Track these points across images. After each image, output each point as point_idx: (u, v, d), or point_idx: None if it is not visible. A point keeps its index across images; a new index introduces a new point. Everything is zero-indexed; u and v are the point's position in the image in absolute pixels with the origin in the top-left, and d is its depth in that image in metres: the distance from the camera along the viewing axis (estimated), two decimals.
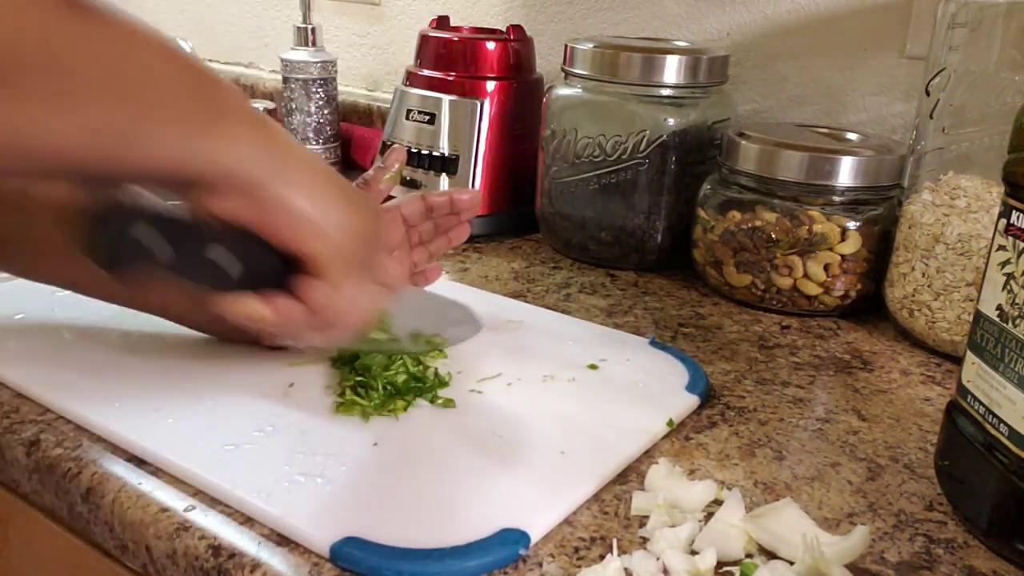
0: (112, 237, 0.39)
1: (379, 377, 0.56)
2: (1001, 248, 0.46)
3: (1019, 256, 0.44)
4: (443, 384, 0.58)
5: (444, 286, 0.78)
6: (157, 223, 0.40)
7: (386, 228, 0.62)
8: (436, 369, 0.60)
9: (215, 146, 0.37)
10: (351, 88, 1.29)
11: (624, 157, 0.83)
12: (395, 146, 0.59)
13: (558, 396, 0.58)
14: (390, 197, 0.65)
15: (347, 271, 0.43)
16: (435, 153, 0.93)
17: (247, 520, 0.45)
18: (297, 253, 0.41)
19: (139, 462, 0.49)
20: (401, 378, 0.57)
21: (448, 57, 0.94)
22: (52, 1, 0.32)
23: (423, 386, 0.57)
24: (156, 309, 0.60)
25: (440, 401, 0.56)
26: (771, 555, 0.44)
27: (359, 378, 0.56)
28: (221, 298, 0.43)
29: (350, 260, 0.43)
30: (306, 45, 1.16)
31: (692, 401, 0.59)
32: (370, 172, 0.58)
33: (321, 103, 1.17)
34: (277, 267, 0.42)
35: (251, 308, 0.43)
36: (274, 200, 0.39)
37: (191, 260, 0.41)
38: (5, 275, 0.64)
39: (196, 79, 0.37)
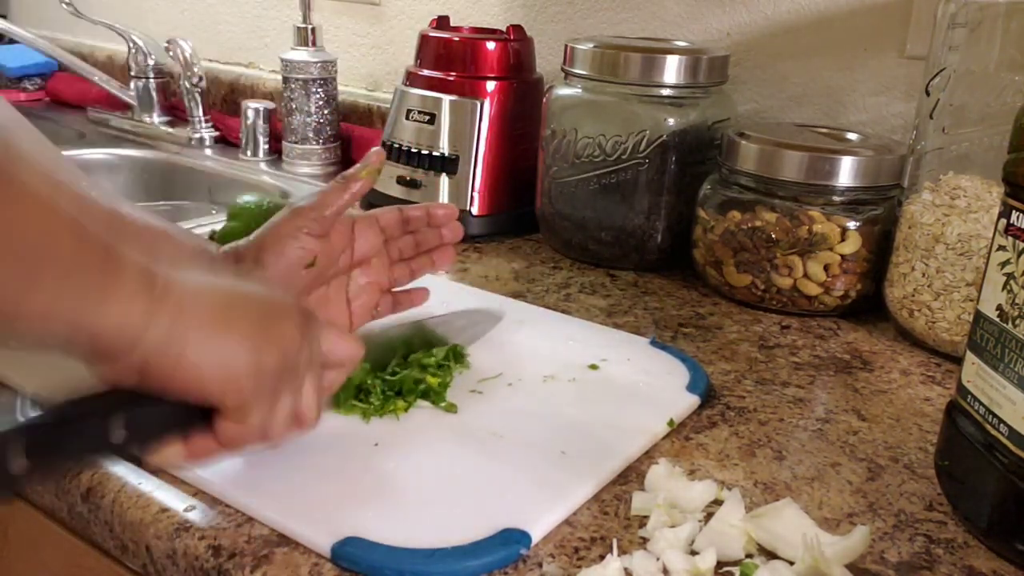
0: None
1: (380, 378, 0.56)
2: (1001, 248, 0.46)
3: (1019, 256, 0.44)
4: (445, 386, 0.58)
5: (444, 287, 0.78)
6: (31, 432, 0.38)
7: (388, 227, 0.61)
8: (456, 356, 0.60)
9: (99, 312, 0.37)
10: (351, 88, 1.29)
11: (624, 157, 0.83)
12: (375, 148, 0.60)
13: (558, 396, 0.58)
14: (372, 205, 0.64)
15: (254, 406, 0.42)
16: (435, 153, 0.93)
17: (247, 520, 0.45)
18: (198, 402, 0.41)
19: (139, 462, 0.49)
20: (411, 379, 0.57)
21: (448, 57, 0.94)
22: None
23: (426, 388, 0.57)
24: None
25: (443, 404, 0.56)
26: (771, 555, 0.44)
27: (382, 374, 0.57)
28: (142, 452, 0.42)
29: (255, 396, 0.42)
30: (306, 45, 1.16)
31: (692, 401, 0.59)
32: (350, 170, 0.58)
33: (321, 103, 1.17)
34: (186, 413, 0.42)
35: (168, 457, 0.43)
36: (164, 361, 0.39)
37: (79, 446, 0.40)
38: None
39: (89, 247, 0.37)
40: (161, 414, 0.41)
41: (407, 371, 0.57)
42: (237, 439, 0.43)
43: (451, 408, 0.56)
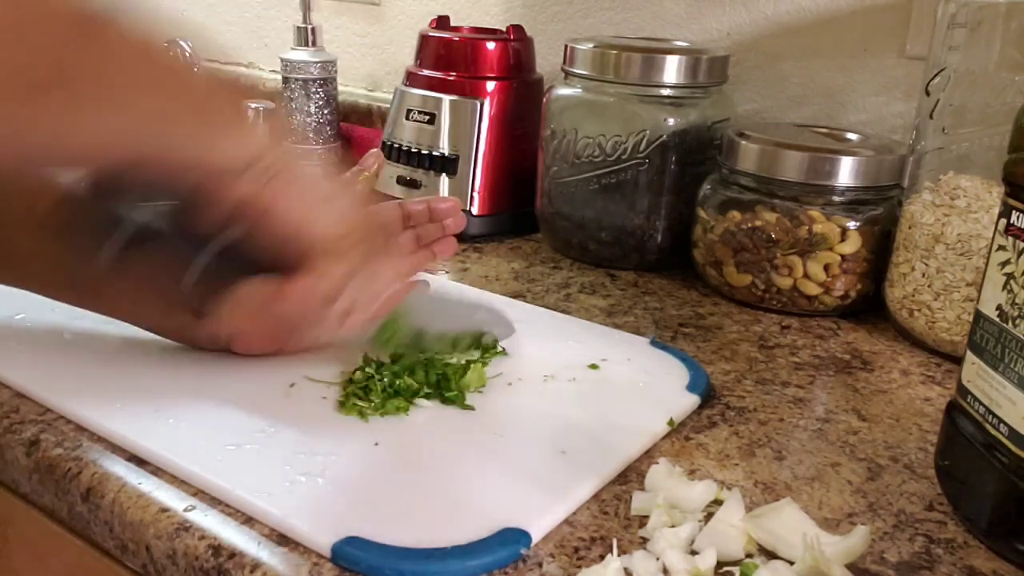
0: (96, 215, 0.44)
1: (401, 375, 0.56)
2: (1001, 248, 0.46)
3: (1019, 256, 0.44)
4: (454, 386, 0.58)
5: (444, 287, 0.78)
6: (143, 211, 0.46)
7: (389, 222, 0.62)
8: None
9: (236, 142, 0.43)
10: (351, 88, 1.29)
11: (624, 157, 0.83)
12: (373, 150, 0.60)
13: (558, 396, 0.58)
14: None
15: (330, 270, 0.46)
16: (435, 153, 0.93)
17: (247, 520, 0.45)
18: (300, 237, 0.45)
19: (139, 462, 0.49)
20: (430, 377, 0.57)
21: (448, 57, 0.94)
22: (82, 25, 0.39)
23: (443, 386, 0.57)
24: (126, 315, 0.60)
25: (459, 402, 0.56)
26: (771, 555, 0.44)
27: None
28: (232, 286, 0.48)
29: (338, 257, 0.46)
30: (306, 45, 1.16)
31: (692, 401, 0.59)
32: (347, 174, 0.58)
33: (321, 103, 1.17)
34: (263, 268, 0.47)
35: (243, 294, 0.48)
36: (284, 187, 0.44)
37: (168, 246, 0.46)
38: None
39: (215, 94, 0.45)
40: (251, 252, 0.46)
41: (424, 370, 0.57)
42: (304, 296, 0.47)
43: (468, 407, 0.56)
